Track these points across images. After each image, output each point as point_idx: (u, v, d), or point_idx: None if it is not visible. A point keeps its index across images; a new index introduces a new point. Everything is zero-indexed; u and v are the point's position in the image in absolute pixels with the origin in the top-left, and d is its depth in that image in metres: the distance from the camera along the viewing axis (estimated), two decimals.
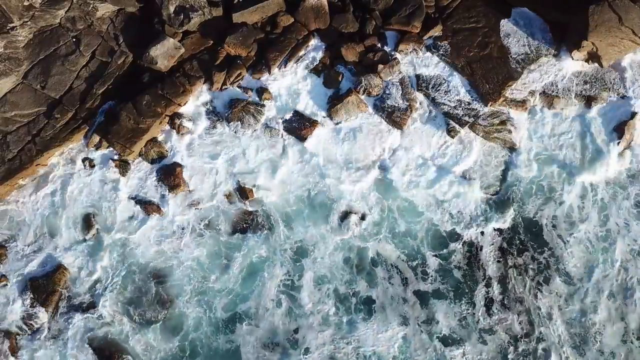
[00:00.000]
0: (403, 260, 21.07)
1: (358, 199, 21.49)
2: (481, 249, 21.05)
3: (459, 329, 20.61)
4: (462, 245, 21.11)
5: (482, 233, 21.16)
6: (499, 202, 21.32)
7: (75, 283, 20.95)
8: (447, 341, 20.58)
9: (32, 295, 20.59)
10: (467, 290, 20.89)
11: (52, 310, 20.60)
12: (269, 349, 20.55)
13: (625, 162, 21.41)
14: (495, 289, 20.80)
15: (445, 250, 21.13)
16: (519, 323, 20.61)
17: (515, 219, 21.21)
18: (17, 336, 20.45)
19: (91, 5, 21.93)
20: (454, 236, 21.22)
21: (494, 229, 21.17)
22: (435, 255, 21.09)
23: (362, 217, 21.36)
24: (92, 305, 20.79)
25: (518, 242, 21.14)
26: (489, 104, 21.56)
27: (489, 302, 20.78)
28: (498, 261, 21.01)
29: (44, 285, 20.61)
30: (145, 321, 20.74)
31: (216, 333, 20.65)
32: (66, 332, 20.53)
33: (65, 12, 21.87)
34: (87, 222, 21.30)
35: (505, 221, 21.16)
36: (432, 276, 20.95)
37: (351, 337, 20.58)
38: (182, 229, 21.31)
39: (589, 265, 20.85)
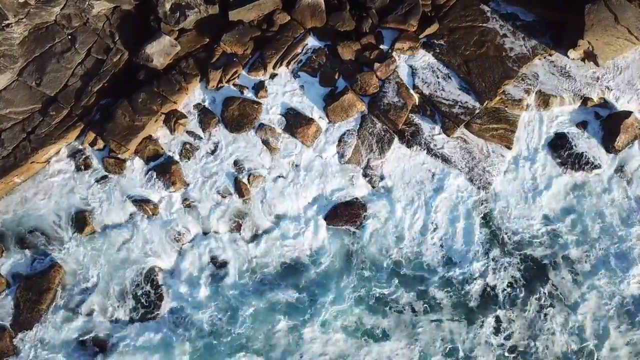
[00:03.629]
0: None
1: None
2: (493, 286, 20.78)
3: (473, 348, 20.26)
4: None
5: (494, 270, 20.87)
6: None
7: (70, 282, 20.84)
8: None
9: (26, 293, 20.52)
10: (479, 316, 20.46)
11: (46, 308, 20.50)
12: None
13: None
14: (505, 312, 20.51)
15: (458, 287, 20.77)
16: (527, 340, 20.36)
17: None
18: (13, 335, 20.34)
19: (87, 3, 21.90)
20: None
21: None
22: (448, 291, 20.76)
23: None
24: (85, 306, 20.69)
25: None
26: (485, 103, 21.58)
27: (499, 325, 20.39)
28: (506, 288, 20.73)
29: (38, 283, 20.50)
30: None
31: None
32: (60, 332, 20.40)
33: (61, 10, 21.82)
34: (82, 220, 21.19)
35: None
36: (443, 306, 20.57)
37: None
38: (180, 227, 21.31)
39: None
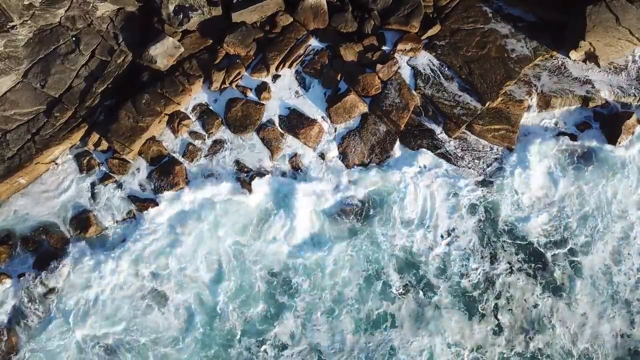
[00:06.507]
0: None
1: None
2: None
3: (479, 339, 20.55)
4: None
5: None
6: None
7: (73, 282, 20.95)
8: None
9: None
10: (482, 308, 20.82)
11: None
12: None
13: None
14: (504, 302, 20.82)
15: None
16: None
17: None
18: (18, 336, 20.45)
19: (91, 5, 22.02)
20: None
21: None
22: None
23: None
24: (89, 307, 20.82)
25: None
26: (487, 104, 21.67)
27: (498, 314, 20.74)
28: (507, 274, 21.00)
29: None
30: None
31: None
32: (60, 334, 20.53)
33: (65, 11, 21.95)
34: (86, 220, 21.31)
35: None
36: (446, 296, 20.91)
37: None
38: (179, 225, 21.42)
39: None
